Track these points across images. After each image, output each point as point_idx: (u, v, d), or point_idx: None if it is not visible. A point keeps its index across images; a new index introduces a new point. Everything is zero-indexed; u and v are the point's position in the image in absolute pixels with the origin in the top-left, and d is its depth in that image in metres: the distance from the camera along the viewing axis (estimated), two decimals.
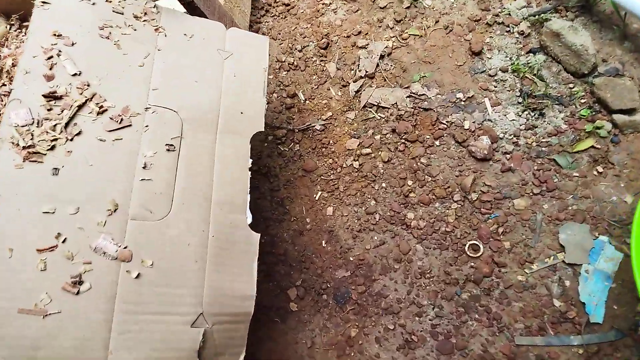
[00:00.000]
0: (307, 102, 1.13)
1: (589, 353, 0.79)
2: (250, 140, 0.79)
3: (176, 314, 0.66)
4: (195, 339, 0.66)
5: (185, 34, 0.80)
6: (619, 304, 0.82)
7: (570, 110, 0.94)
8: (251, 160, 0.78)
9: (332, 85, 1.13)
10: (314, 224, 1.01)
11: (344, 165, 1.04)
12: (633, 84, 0.91)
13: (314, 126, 1.09)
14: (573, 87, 0.96)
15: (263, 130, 0.82)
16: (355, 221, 0.98)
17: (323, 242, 0.98)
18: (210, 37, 0.82)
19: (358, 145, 1.05)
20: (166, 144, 0.72)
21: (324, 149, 1.07)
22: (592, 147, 0.91)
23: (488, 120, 0.98)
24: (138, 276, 0.64)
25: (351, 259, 0.95)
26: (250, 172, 0.78)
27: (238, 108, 0.83)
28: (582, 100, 0.94)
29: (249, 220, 0.76)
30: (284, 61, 1.17)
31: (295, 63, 1.17)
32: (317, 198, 1.02)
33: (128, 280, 0.64)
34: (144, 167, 0.70)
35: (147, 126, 0.73)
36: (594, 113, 0.92)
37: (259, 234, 0.75)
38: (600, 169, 0.90)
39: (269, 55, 1.22)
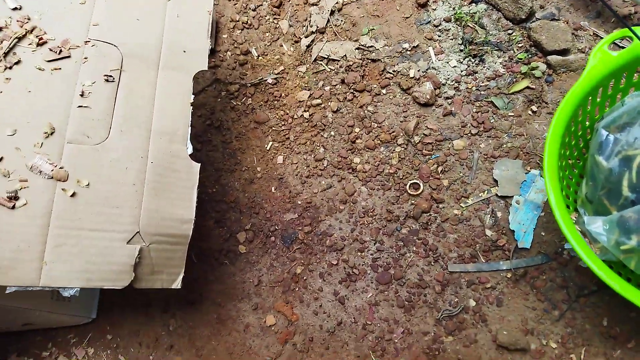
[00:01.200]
0: (260, 58, 1.19)
1: (517, 276, 0.87)
2: (195, 79, 0.84)
3: (112, 231, 0.71)
4: (131, 254, 0.72)
5: None
6: (547, 231, 0.89)
7: (509, 54, 1.02)
8: (193, 96, 0.83)
9: (285, 41, 1.19)
10: (264, 172, 1.07)
11: (295, 117, 1.10)
12: (567, 26, 0.99)
13: (266, 80, 1.16)
14: (512, 33, 1.04)
15: (206, 68, 0.87)
16: (305, 168, 1.05)
17: (273, 188, 1.04)
18: None
19: (309, 96, 1.12)
20: (105, 75, 0.77)
21: (275, 102, 1.13)
22: (528, 87, 0.99)
23: (432, 68, 1.06)
24: (74, 195, 0.70)
25: (299, 202, 1.01)
26: (197, 110, 0.83)
27: (181, 46, 0.88)
28: (520, 45, 1.03)
29: (190, 150, 0.82)
30: (238, 20, 1.23)
31: (249, 22, 1.23)
32: (268, 148, 1.09)
33: (64, 198, 0.70)
34: (81, 95, 0.76)
35: (86, 58, 0.79)
36: (530, 56, 1.01)
37: (199, 164, 0.80)
38: (534, 108, 0.98)
39: (223, 15, 1.28)
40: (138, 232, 0.74)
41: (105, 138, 0.77)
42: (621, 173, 0.73)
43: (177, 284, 0.79)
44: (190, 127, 0.85)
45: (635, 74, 0.81)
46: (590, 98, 0.80)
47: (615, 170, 0.74)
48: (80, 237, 0.71)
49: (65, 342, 1.01)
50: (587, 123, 0.87)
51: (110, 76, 0.81)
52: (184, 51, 0.90)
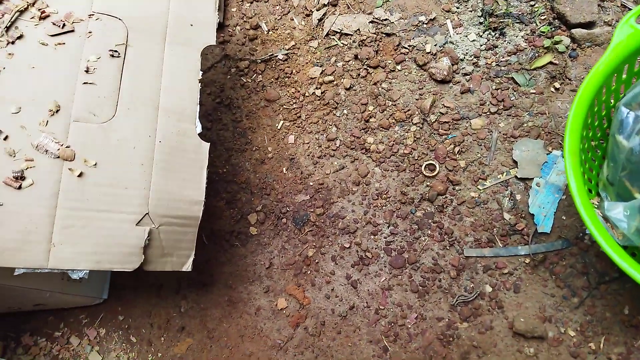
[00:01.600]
0: (271, 32, 1.16)
1: (536, 262, 0.85)
2: (202, 55, 0.81)
3: (121, 212, 0.70)
4: (141, 236, 0.71)
5: None
6: (568, 215, 0.87)
7: (531, 27, 0.98)
8: (201, 72, 0.81)
9: (296, 15, 1.16)
10: (275, 152, 1.05)
11: (307, 94, 1.08)
12: None
13: (277, 56, 1.13)
14: (534, 5, 1.00)
15: (214, 43, 0.85)
16: (317, 148, 1.03)
17: (284, 169, 1.03)
18: None
19: (321, 73, 1.09)
20: (110, 50, 0.75)
21: (286, 79, 1.11)
22: (551, 63, 0.95)
23: (450, 42, 1.02)
24: (81, 175, 0.68)
25: (311, 184, 0.99)
26: (206, 88, 0.80)
27: (188, 20, 0.86)
28: (542, 17, 0.98)
29: (199, 129, 0.80)
30: None
31: None
32: (279, 127, 1.06)
33: (71, 178, 0.69)
34: (86, 71, 0.74)
35: (90, 32, 0.77)
36: (553, 29, 0.97)
37: (209, 143, 0.78)
38: (557, 85, 0.94)
39: None
40: (147, 213, 0.73)
41: (112, 116, 0.75)
42: None
43: (188, 267, 0.78)
44: (198, 105, 0.83)
45: None
46: (615, 75, 0.76)
47: (636, 149, 0.71)
48: (88, 219, 0.70)
49: (77, 322, 1.01)
50: (612, 102, 0.83)
51: (116, 51, 0.79)
52: (191, 25, 0.87)
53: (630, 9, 1.01)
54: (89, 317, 1.02)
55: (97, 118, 0.74)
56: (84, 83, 0.75)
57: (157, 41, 0.82)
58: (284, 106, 1.13)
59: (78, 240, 0.69)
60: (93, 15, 0.80)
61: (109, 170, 0.73)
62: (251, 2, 1.24)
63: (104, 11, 0.81)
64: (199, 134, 0.81)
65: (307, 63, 1.16)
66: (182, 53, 0.84)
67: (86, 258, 0.69)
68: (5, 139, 0.69)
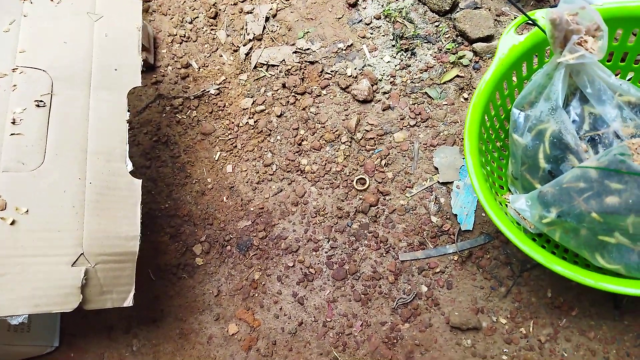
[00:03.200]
0: (201, 69, 1.21)
1: (463, 257, 0.91)
2: (126, 95, 0.85)
3: (56, 255, 0.72)
4: (77, 276, 0.72)
5: (51, 0, 0.86)
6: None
7: (438, 46, 1.07)
8: (129, 113, 0.85)
9: (224, 51, 1.22)
10: (215, 183, 1.09)
11: (240, 124, 1.13)
12: (489, 14, 1.05)
13: (209, 91, 1.18)
14: (438, 25, 1.09)
15: (140, 85, 0.89)
16: (254, 174, 1.07)
17: (224, 198, 1.06)
18: (79, 1, 0.87)
19: (252, 103, 1.14)
20: (35, 100, 0.78)
21: (220, 112, 1.16)
22: (457, 76, 1.04)
23: (368, 65, 1.10)
24: (13, 222, 0.70)
25: (252, 209, 1.04)
26: (128, 125, 0.84)
27: (112, 65, 0.89)
28: (447, 36, 1.08)
29: (129, 168, 0.82)
30: (176, 34, 1.25)
31: (187, 35, 1.25)
32: (216, 158, 1.11)
33: (3, 226, 0.70)
34: (13, 122, 0.76)
35: (14, 85, 0.79)
36: (457, 45, 1.06)
37: (141, 179, 0.81)
38: (465, 95, 1.03)
39: (161, 30, 1.29)
40: (82, 253, 0.75)
41: (40, 163, 0.77)
42: (536, 147, 0.78)
43: (129, 302, 0.80)
44: (127, 145, 0.86)
45: (546, 53, 0.87)
46: (505, 82, 0.86)
47: (530, 145, 0.79)
48: (24, 264, 0.72)
49: None
50: (509, 105, 0.92)
51: (41, 101, 0.82)
52: (115, 69, 0.91)
53: None
54: None
55: (26, 166, 0.77)
56: (11, 134, 0.78)
57: (82, 88, 0.86)
58: (220, 138, 1.18)
59: (14, 286, 0.70)
60: (17, 69, 0.83)
61: (41, 215, 0.75)
62: (180, 43, 1.30)
63: (27, 64, 0.84)
64: (130, 172, 0.84)
65: (238, 95, 1.21)
66: (108, 97, 0.87)
67: (24, 303, 0.70)
68: None
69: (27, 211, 0.74)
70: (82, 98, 0.85)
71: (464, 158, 1.03)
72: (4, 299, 0.69)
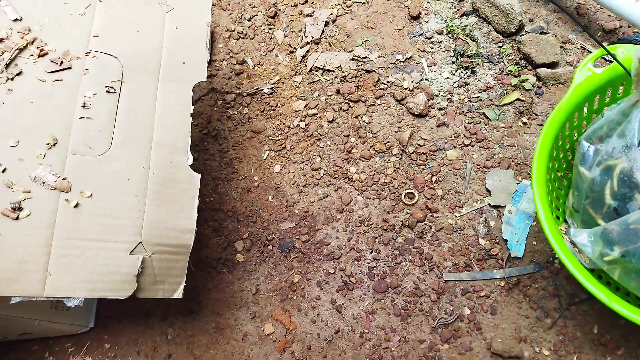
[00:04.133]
0: (256, 67, 1.21)
1: (510, 284, 0.89)
2: (192, 89, 0.85)
3: (115, 241, 0.72)
4: (134, 264, 0.73)
5: None
6: (538, 240, 0.92)
7: (499, 67, 1.05)
8: (192, 107, 0.85)
9: (280, 51, 1.21)
10: (261, 181, 1.08)
11: (291, 126, 1.12)
12: (555, 40, 1.03)
13: (262, 90, 1.17)
14: (502, 46, 1.07)
15: (205, 80, 0.89)
16: (301, 177, 1.06)
17: (270, 197, 1.06)
18: None
19: (304, 106, 1.14)
20: (106, 86, 0.79)
21: (272, 112, 1.15)
22: (518, 99, 1.02)
23: (425, 79, 1.08)
24: (77, 205, 0.71)
25: (296, 211, 1.03)
26: (193, 119, 0.84)
27: (180, 58, 0.90)
28: (510, 57, 1.06)
29: (190, 161, 0.83)
30: (234, 30, 1.25)
31: (244, 32, 1.25)
32: (265, 157, 1.10)
33: (67, 209, 0.71)
34: (83, 106, 0.76)
35: (87, 69, 0.80)
36: (520, 68, 1.04)
37: (200, 174, 0.81)
38: (525, 119, 1.01)
39: (219, 25, 1.30)
40: (140, 242, 0.75)
41: (107, 149, 0.78)
42: (603, 182, 0.76)
43: (179, 294, 0.80)
44: (190, 138, 0.86)
45: (620, 87, 0.85)
46: (577, 113, 0.84)
47: (597, 179, 0.77)
48: (84, 248, 0.72)
49: (63, 351, 1.01)
50: (575, 136, 0.90)
51: (112, 87, 0.82)
52: (183, 62, 0.91)
53: (589, 51, 1.10)
54: (74, 345, 1.02)
55: (93, 151, 0.77)
56: (81, 117, 0.78)
57: (151, 78, 0.86)
58: (270, 137, 1.18)
59: (73, 269, 0.71)
60: (90, 53, 0.83)
61: (104, 200, 0.75)
62: (237, 39, 1.30)
63: (100, 49, 0.85)
64: (190, 166, 0.84)
65: (291, 97, 1.21)
66: (175, 89, 0.88)
67: (81, 286, 0.70)
68: (3, 171, 0.71)
69: (91, 195, 0.74)
70: (150, 88, 0.85)
71: (518, 183, 1.01)
72: (63, 280, 0.70)
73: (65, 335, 1.02)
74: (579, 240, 0.77)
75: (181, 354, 0.99)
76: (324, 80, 1.21)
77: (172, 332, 1.02)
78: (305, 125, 1.17)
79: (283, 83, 1.23)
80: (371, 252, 1.02)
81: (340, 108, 1.17)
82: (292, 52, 1.26)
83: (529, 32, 1.11)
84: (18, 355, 1.01)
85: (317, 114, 1.18)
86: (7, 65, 0.78)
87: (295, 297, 1.01)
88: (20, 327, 0.90)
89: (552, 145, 0.79)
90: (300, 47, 1.25)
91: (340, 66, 1.21)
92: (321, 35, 1.25)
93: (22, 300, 0.68)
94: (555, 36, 1.11)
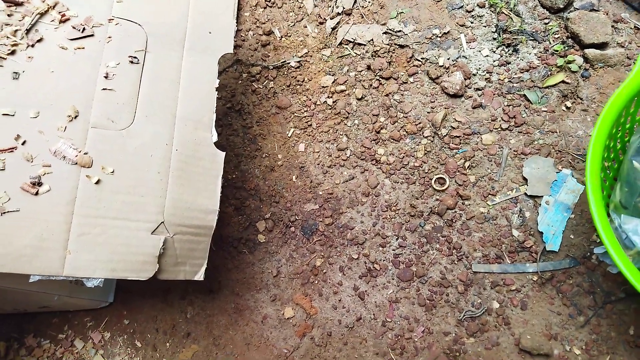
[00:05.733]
0: (283, 39, 1.16)
1: (543, 279, 0.86)
2: (218, 61, 0.81)
3: (137, 220, 0.70)
4: (156, 245, 0.71)
5: None
6: (576, 234, 0.88)
7: (544, 45, 0.99)
8: (218, 80, 0.81)
9: (309, 22, 1.16)
10: (285, 160, 1.05)
11: (318, 103, 1.08)
12: (607, 18, 0.96)
13: (289, 63, 1.13)
14: (548, 23, 1.00)
15: (231, 52, 0.85)
16: (327, 157, 1.03)
17: (294, 177, 1.03)
18: None
19: (333, 82, 1.09)
20: (129, 56, 0.75)
21: (298, 87, 1.11)
22: (563, 82, 0.96)
23: (463, 56, 1.02)
24: (98, 182, 0.68)
25: (320, 193, 1.00)
26: (217, 92, 0.81)
27: (206, 27, 0.86)
28: (556, 36, 0.99)
29: (215, 138, 0.80)
30: None
31: (272, 0, 1.18)
32: (289, 135, 1.06)
33: (88, 185, 0.69)
34: (105, 77, 0.73)
35: (110, 37, 0.76)
36: (566, 48, 0.97)
37: (224, 152, 0.78)
38: (568, 104, 0.95)
39: None
40: (162, 222, 0.73)
41: (130, 123, 0.75)
42: None
43: (200, 276, 0.78)
44: (215, 114, 0.82)
45: None
46: (635, 99, 0.77)
47: None
48: (105, 226, 0.70)
49: (82, 325, 1.01)
50: (628, 124, 0.84)
51: (135, 57, 0.78)
52: (210, 32, 0.87)
53: None
54: (93, 320, 1.02)
55: (115, 125, 0.74)
56: (103, 89, 0.75)
57: (176, 48, 0.82)
58: (295, 114, 1.13)
59: (94, 248, 0.69)
60: (113, 20, 0.80)
61: (126, 177, 0.72)
62: (264, 8, 1.24)
63: (123, 16, 0.81)
64: (214, 143, 0.81)
65: (319, 71, 1.16)
66: (200, 61, 0.84)
67: (102, 266, 0.69)
68: (23, 143, 0.69)
69: (112, 172, 0.71)
70: (175, 59, 0.81)
71: (558, 172, 0.95)
72: (83, 259, 0.68)
73: (85, 310, 1.02)
74: (630, 228, 0.72)
75: (200, 333, 0.99)
76: (355, 54, 1.15)
77: (192, 310, 1.01)
78: (333, 102, 1.12)
79: (311, 56, 1.18)
80: (397, 239, 0.99)
81: (371, 85, 1.12)
82: (321, 23, 1.20)
83: (578, 9, 1.03)
84: (38, 327, 1.01)
85: (345, 90, 1.13)
86: (28, 31, 0.75)
87: (316, 282, 0.99)
88: (40, 300, 0.89)
89: (608, 134, 0.73)
90: (331, 18, 1.19)
91: (372, 40, 1.15)
92: (353, 6, 1.19)
93: (40, 279, 0.67)
94: (607, 14, 1.03)
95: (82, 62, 0.76)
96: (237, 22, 1.23)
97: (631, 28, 1.03)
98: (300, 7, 1.22)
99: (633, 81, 0.73)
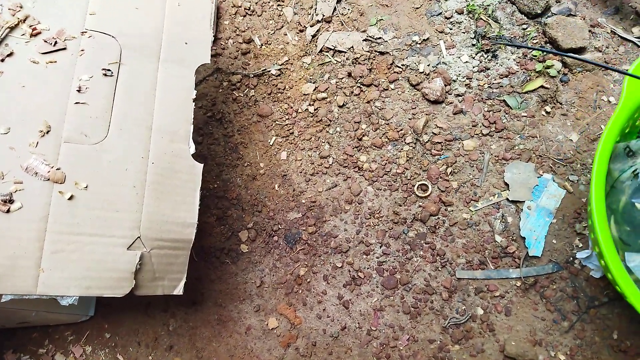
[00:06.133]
0: (264, 47, 1.15)
1: (527, 285, 0.85)
2: (194, 72, 0.80)
3: (112, 235, 0.69)
4: (132, 260, 0.69)
5: None
6: (558, 239, 0.88)
7: (523, 51, 0.98)
8: (195, 91, 0.80)
9: (289, 30, 1.15)
10: (267, 168, 1.04)
11: (299, 110, 1.07)
12: (584, 23, 0.96)
13: (270, 71, 1.12)
14: (526, 28, 1.00)
15: (209, 62, 0.84)
16: (309, 165, 1.02)
17: (276, 185, 1.02)
18: None
19: (314, 89, 1.08)
20: (103, 69, 0.74)
21: (279, 94, 1.10)
22: (542, 86, 0.96)
23: (442, 63, 1.02)
24: (71, 198, 0.67)
25: (303, 201, 0.99)
26: (197, 101, 0.79)
27: (182, 38, 0.85)
28: (535, 41, 0.99)
29: (192, 150, 0.79)
30: (240, 6, 1.19)
31: (251, 8, 1.18)
32: (271, 143, 1.06)
33: (61, 201, 0.67)
34: (78, 91, 0.72)
35: (82, 50, 0.75)
36: (545, 53, 0.96)
37: (202, 164, 0.77)
38: (548, 108, 0.95)
39: (224, 0, 1.23)
40: (139, 237, 0.72)
41: (104, 137, 0.74)
42: None
43: (179, 290, 0.77)
44: (192, 125, 0.81)
45: None
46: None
47: None
48: (79, 243, 0.68)
49: (63, 340, 0.99)
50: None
51: (109, 70, 0.77)
52: (186, 43, 0.86)
53: (620, 37, 1.03)
54: (74, 334, 1.00)
55: (89, 139, 0.73)
56: (76, 103, 0.73)
57: (151, 60, 0.81)
58: (277, 122, 1.13)
59: (67, 265, 0.67)
60: (86, 32, 0.78)
61: (101, 192, 0.71)
62: (244, 16, 1.23)
63: (97, 28, 0.80)
64: (192, 155, 0.80)
65: (300, 79, 1.15)
66: (176, 72, 0.83)
67: (76, 284, 0.67)
68: None
69: (86, 187, 0.70)
70: (150, 71, 0.80)
71: (539, 177, 0.95)
72: (56, 277, 0.66)
73: (66, 324, 1.00)
74: (635, 265, 0.72)
75: (183, 345, 0.97)
76: (335, 61, 1.15)
77: (174, 323, 0.99)
78: (314, 109, 1.12)
79: (292, 64, 1.17)
80: (381, 247, 0.98)
81: (352, 92, 1.11)
82: (301, 30, 1.20)
83: (555, 14, 1.03)
84: (18, 342, 0.99)
85: (326, 97, 1.12)
86: None
87: (300, 291, 0.98)
88: (17, 317, 0.87)
89: (609, 159, 0.72)
90: (311, 26, 1.19)
91: (352, 47, 1.15)
92: (333, 13, 1.18)
93: (13, 298, 0.65)
94: (584, 19, 1.03)
95: (54, 76, 0.74)
96: (216, 31, 1.23)
97: (608, 32, 1.04)
98: (280, 15, 1.22)
99: (623, 108, 0.72)
